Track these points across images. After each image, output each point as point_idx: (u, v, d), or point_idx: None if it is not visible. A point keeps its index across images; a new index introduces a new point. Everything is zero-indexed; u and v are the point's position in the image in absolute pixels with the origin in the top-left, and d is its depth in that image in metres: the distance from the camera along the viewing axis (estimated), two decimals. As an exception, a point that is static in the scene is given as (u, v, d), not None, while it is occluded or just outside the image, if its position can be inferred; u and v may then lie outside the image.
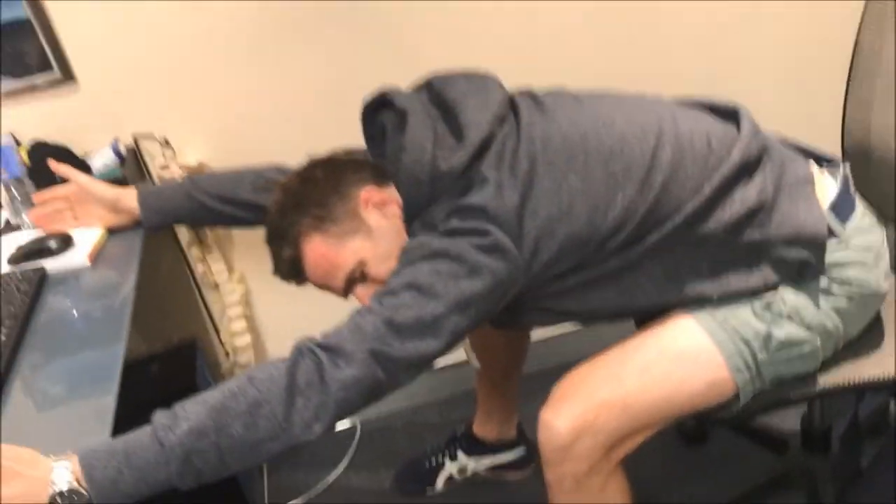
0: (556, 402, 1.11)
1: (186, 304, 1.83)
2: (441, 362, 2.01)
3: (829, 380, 1.17)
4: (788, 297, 1.14)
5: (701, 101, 1.24)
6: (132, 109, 1.64)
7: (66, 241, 1.42)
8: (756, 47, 1.81)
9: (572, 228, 1.07)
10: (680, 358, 1.12)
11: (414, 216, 1.13)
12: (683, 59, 1.79)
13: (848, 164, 1.21)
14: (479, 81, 1.18)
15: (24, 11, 1.51)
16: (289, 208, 1.19)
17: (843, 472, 1.44)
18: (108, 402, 0.98)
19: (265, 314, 1.88)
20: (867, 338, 1.23)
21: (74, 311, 1.27)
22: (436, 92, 1.18)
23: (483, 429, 1.76)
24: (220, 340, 1.83)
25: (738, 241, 1.12)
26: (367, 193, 1.17)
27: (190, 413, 0.93)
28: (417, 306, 1.00)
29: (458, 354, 1.90)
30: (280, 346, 1.94)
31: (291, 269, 1.21)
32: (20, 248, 1.43)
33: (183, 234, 1.73)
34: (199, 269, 1.75)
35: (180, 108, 1.66)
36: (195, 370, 1.73)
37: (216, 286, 1.77)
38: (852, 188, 1.20)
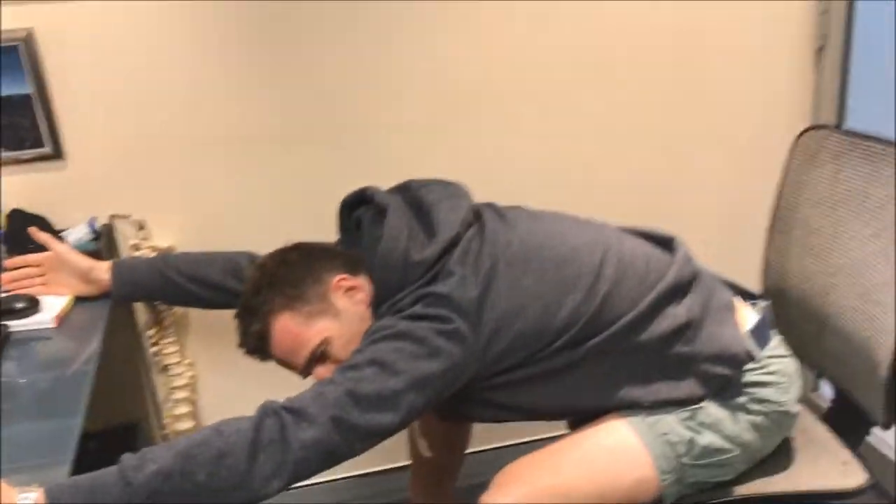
0: (499, 487, 1.19)
1: (132, 384, 1.85)
2: (375, 467, 2.08)
3: (743, 490, 1.28)
4: (711, 410, 1.25)
5: (643, 230, 1.40)
6: (113, 191, 1.72)
7: (33, 303, 1.47)
8: (688, 198, 2.01)
9: (525, 324, 1.19)
10: (613, 454, 1.22)
11: (383, 300, 1.23)
12: (623, 194, 1.97)
13: (768, 302, 1.37)
14: (452, 189, 1.32)
15: (28, 87, 1.61)
16: (263, 286, 1.27)
17: None
18: (62, 472, 0.99)
19: (210, 402, 1.91)
20: (780, 456, 1.35)
21: (34, 376, 1.29)
22: (412, 194, 1.31)
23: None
24: (162, 423, 1.85)
25: (668, 352, 1.24)
26: (339, 279, 1.27)
27: (157, 456, 0.98)
28: (379, 381, 1.09)
29: (396, 457, 1.98)
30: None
31: (258, 343, 1.28)
32: (-11, 300, 1.47)
33: (141, 313, 1.79)
34: (151, 349, 1.80)
35: (160, 195, 1.75)
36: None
37: (165, 368, 1.81)
38: (770, 321, 1.35)
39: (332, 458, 1.06)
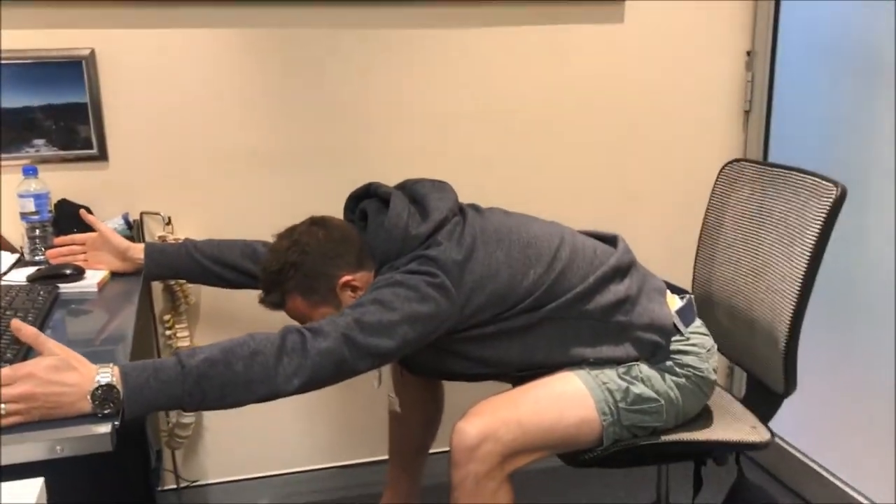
0: (469, 416, 1.46)
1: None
2: (353, 460, 2.31)
3: (669, 437, 1.56)
4: (643, 368, 1.54)
5: (593, 231, 1.71)
6: (146, 191, 2.01)
7: (79, 271, 1.72)
8: (636, 220, 2.34)
9: (496, 286, 1.48)
10: (561, 396, 1.50)
11: (384, 264, 1.51)
12: (580, 211, 2.28)
13: (691, 295, 1.68)
14: (440, 185, 1.62)
15: (84, 97, 1.91)
16: (286, 264, 1.52)
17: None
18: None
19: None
20: (701, 419, 1.63)
21: (80, 329, 1.50)
22: (409, 188, 1.62)
23: (388, 506, 2.03)
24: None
25: (610, 320, 1.54)
26: (345, 280, 1.54)
27: (205, 349, 1.25)
28: (379, 314, 1.37)
29: (376, 451, 2.21)
30: (222, 417, 2.20)
31: (273, 306, 1.57)
32: (39, 270, 1.73)
33: (159, 299, 2.05)
34: (166, 332, 2.05)
35: (185, 197, 2.03)
36: (144, 423, 1.96)
37: (176, 350, 2.06)
38: (694, 307, 1.66)
39: (341, 369, 1.33)
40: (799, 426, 2.25)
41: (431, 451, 2.02)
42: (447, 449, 1.48)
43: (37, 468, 1.10)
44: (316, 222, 1.58)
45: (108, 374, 1.16)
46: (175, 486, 2.19)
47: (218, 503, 2.24)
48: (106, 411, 1.14)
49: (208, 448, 2.22)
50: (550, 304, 1.51)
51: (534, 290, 1.50)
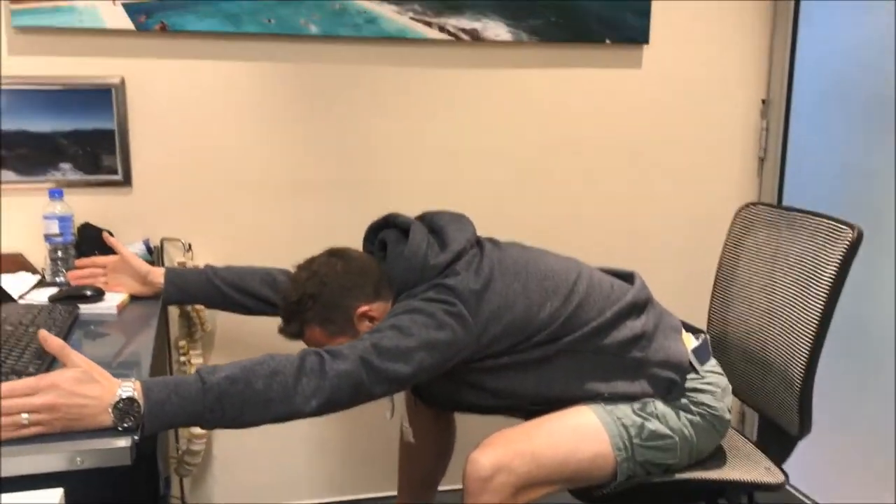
0: (483, 447, 1.45)
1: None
2: (361, 494, 2.29)
3: (683, 476, 1.55)
4: (658, 405, 1.55)
5: (610, 268, 1.73)
6: (167, 217, 2.04)
7: (99, 293, 1.74)
8: (652, 265, 2.35)
9: (513, 317, 1.49)
10: (576, 430, 1.50)
11: (402, 292, 1.53)
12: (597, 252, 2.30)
13: (707, 335, 1.69)
14: (458, 216, 1.65)
15: (112, 124, 1.96)
16: (305, 296, 1.54)
17: None
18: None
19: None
20: (715, 458, 1.63)
21: (98, 351, 1.49)
22: (428, 219, 1.64)
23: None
24: (178, 431, 2.09)
25: (626, 356, 1.55)
26: (363, 309, 1.54)
27: (226, 367, 1.26)
28: (396, 339, 1.38)
29: (383, 487, 2.20)
30: (227, 436, 2.20)
31: (292, 336, 1.58)
32: (61, 291, 1.75)
33: (175, 325, 2.06)
34: (181, 359, 2.06)
35: (205, 224, 2.07)
36: (155, 450, 1.96)
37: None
38: (709, 347, 1.66)
39: (358, 392, 1.33)
40: (812, 472, 2.23)
41: (441, 488, 2.01)
42: (457, 487, 1.48)
43: (51, 483, 1.11)
44: (334, 254, 1.61)
45: (129, 389, 1.17)
46: (181, 516, 2.18)
47: (223, 533, 2.23)
48: (126, 425, 1.15)
49: (216, 475, 2.21)
50: (567, 337, 1.52)
51: (550, 322, 1.51)
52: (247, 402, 1.25)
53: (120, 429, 1.15)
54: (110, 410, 1.14)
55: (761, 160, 2.38)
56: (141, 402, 1.17)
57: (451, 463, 1.97)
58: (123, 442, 1.13)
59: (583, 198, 2.31)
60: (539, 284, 1.54)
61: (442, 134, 2.18)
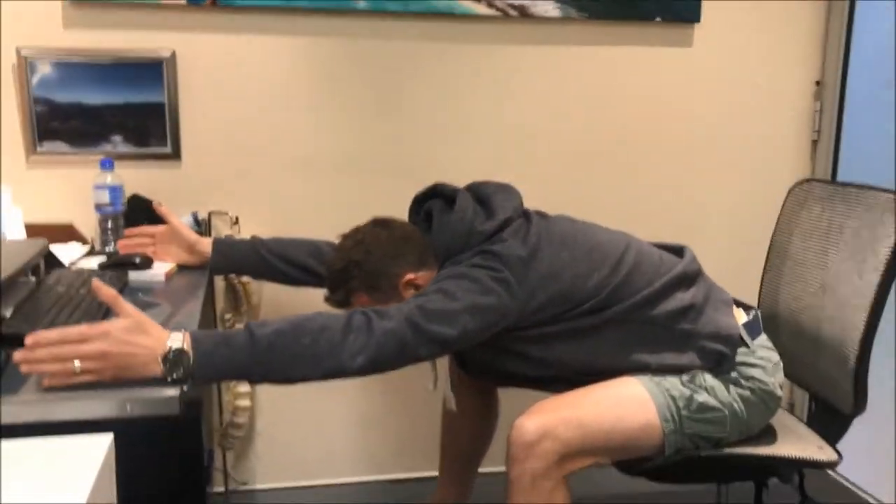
0: (529, 414, 1.44)
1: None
2: (402, 474, 2.29)
3: (732, 451, 1.52)
4: (708, 378, 1.51)
5: (660, 242, 1.70)
6: (215, 191, 2.06)
7: (148, 261, 1.76)
8: (703, 240, 2.32)
9: (560, 286, 1.47)
10: (623, 400, 1.47)
11: (448, 259, 1.52)
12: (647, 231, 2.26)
13: (758, 310, 1.65)
14: (505, 186, 1.63)
15: (162, 97, 1.98)
16: (350, 264, 1.55)
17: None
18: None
19: (266, 385, 2.17)
20: (766, 436, 1.59)
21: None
22: (474, 189, 1.63)
23: (435, 517, 2.00)
24: (220, 399, 2.10)
25: (675, 327, 1.52)
26: (407, 279, 1.54)
27: (275, 322, 1.26)
28: (442, 303, 1.37)
29: (422, 467, 2.19)
30: (272, 412, 2.21)
31: (338, 304, 1.58)
32: (109, 257, 1.77)
33: (220, 298, 2.08)
34: (226, 332, 2.07)
35: (252, 198, 2.08)
36: (200, 420, 1.98)
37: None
38: (760, 323, 1.63)
39: (403, 352, 1.32)
40: (867, 464, 2.17)
41: (483, 470, 1.99)
42: (499, 469, 1.46)
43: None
44: (378, 223, 1.61)
45: (179, 340, 1.18)
46: (224, 489, 2.20)
47: (265, 508, 2.24)
48: (175, 375, 1.16)
49: (259, 452, 2.22)
50: (614, 307, 1.50)
51: (597, 292, 1.49)
52: (295, 356, 1.25)
53: (169, 379, 1.16)
54: (160, 360, 1.15)
55: (814, 142, 2.33)
56: (190, 353, 1.18)
57: (493, 445, 1.95)
58: (172, 391, 1.14)
59: (631, 176, 2.28)
60: (587, 255, 1.52)
61: (489, 111, 2.17)
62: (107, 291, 1.19)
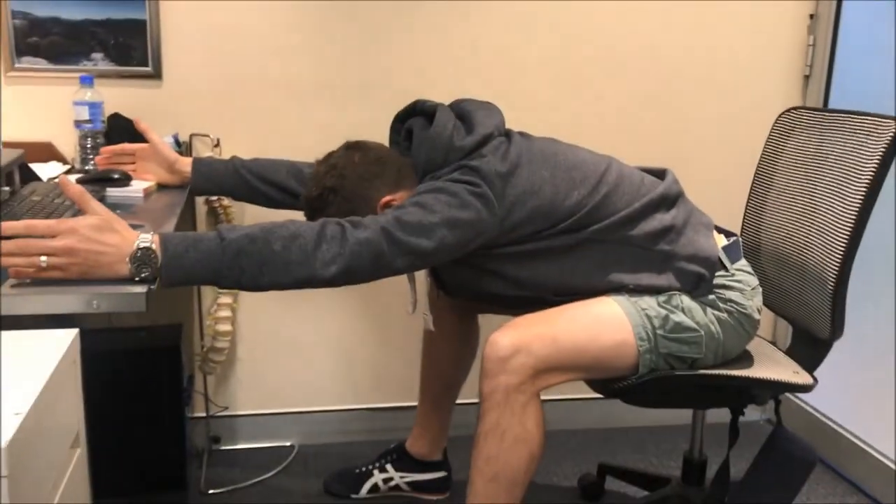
0: (503, 329, 1.43)
1: (183, 289, 2.11)
2: (380, 404, 2.30)
3: (706, 371, 1.52)
4: (685, 299, 1.51)
5: (642, 166, 1.68)
6: (197, 112, 2.03)
7: (127, 178, 1.74)
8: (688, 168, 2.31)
9: (538, 203, 1.46)
10: (598, 318, 1.47)
11: (427, 174, 1.50)
12: (644, 143, 2.28)
13: (738, 236, 1.64)
14: (487, 104, 1.61)
15: (144, 14, 1.94)
16: (326, 189, 1.52)
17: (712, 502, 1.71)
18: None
19: (248, 312, 2.17)
20: (743, 360, 1.59)
21: None
22: (455, 107, 1.60)
23: (415, 444, 2.01)
24: (202, 325, 2.10)
25: (653, 248, 1.51)
26: (386, 199, 1.52)
27: (245, 227, 1.25)
28: (419, 215, 1.36)
29: (404, 397, 2.20)
30: (253, 339, 2.22)
31: None
32: (88, 173, 1.75)
33: (202, 223, 2.06)
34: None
35: (234, 121, 2.06)
36: (179, 344, 1.98)
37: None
38: (741, 248, 1.62)
39: (378, 262, 1.31)
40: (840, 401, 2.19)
41: (461, 401, 1.99)
42: (477, 400, 1.46)
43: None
44: (351, 146, 1.58)
45: (148, 240, 1.17)
46: (205, 414, 2.20)
47: (246, 433, 2.24)
48: (143, 274, 1.15)
49: (240, 378, 2.23)
50: (593, 226, 1.48)
51: (576, 210, 1.48)
52: (265, 262, 1.24)
53: (136, 279, 1.15)
54: (128, 260, 1.14)
55: (806, 77, 2.30)
56: (159, 254, 1.17)
57: (472, 377, 1.96)
58: (140, 288, 1.13)
59: (621, 104, 2.25)
60: (567, 173, 1.50)
61: (475, 35, 2.14)
62: (74, 188, 1.17)
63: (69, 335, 1.05)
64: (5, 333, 1.03)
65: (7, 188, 1.54)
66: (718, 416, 1.72)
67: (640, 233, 1.50)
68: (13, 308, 1.09)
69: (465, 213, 1.39)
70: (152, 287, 1.15)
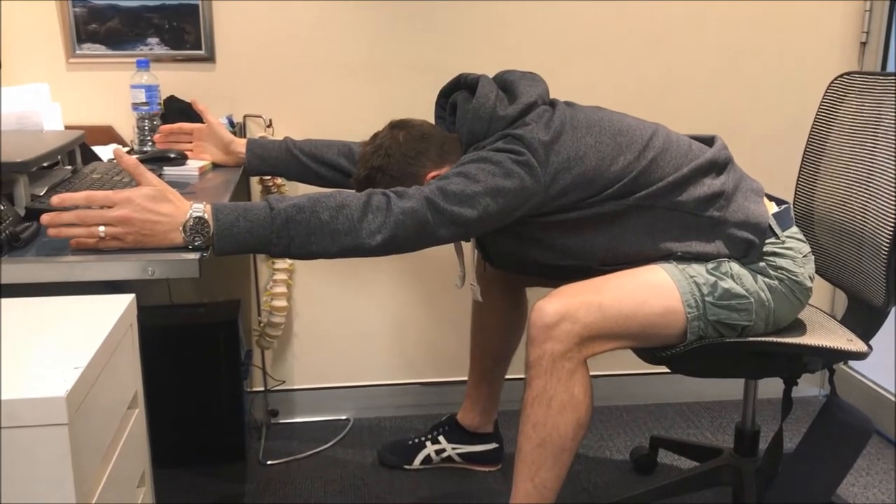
0: (550, 297, 1.44)
1: (240, 267, 2.17)
2: (432, 378, 2.32)
3: (755, 339, 1.50)
4: (734, 266, 1.49)
5: (691, 134, 1.66)
6: (250, 94, 2.08)
7: (183, 156, 1.79)
8: (739, 139, 2.27)
9: (583, 170, 1.46)
10: (646, 285, 1.47)
11: (470, 145, 1.52)
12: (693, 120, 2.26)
13: (789, 204, 1.61)
14: (530, 74, 1.61)
15: (196, -1, 2.00)
16: (373, 169, 1.54)
17: (764, 475, 1.69)
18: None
19: (304, 287, 2.22)
20: (795, 328, 1.57)
21: None
22: (498, 78, 1.61)
23: (466, 416, 2.03)
24: (259, 301, 2.15)
25: (702, 214, 1.50)
26: (433, 174, 1.53)
27: (294, 197, 1.28)
28: (462, 185, 1.37)
29: (455, 372, 2.22)
30: (309, 316, 2.27)
31: None
32: (146, 152, 1.81)
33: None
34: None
35: (286, 102, 2.10)
36: (237, 319, 2.04)
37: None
38: (792, 215, 1.59)
39: (423, 232, 1.33)
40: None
41: (512, 376, 2.01)
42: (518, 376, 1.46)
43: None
44: (395, 125, 1.60)
45: (200, 210, 1.21)
46: (263, 388, 2.26)
47: (303, 406, 2.30)
48: (197, 243, 1.19)
49: (296, 353, 2.28)
50: (640, 193, 1.48)
51: (623, 176, 1.47)
52: (313, 230, 1.27)
53: (190, 247, 1.19)
54: (181, 228, 1.19)
55: (863, 44, 2.24)
56: (210, 223, 1.21)
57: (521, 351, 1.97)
58: (193, 255, 1.17)
59: (670, 72, 2.23)
60: (612, 139, 1.50)
61: (520, 13, 2.13)
62: (128, 160, 1.22)
63: (126, 299, 1.10)
64: (66, 298, 1.08)
65: (69, 167, 1.60)
66: (774, 391, 1.70)
67: (688, 198, 1.49)
68: (73, 275, 1.14)
69: (508, 181, 1.40)
70: (205, 254, 1.19)
